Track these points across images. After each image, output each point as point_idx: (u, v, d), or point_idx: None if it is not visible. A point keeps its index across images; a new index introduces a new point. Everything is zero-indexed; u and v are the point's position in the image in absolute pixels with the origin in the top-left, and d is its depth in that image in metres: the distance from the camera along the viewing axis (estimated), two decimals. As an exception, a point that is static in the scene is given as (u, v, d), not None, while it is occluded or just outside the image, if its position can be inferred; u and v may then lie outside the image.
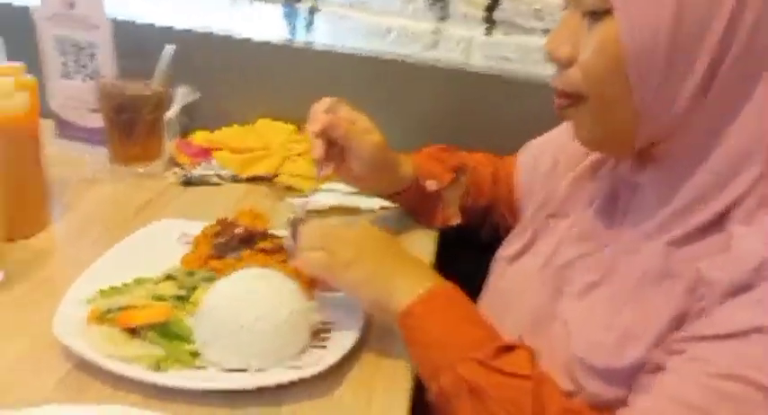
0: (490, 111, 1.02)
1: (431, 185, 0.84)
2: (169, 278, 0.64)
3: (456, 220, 0.87)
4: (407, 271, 0.61)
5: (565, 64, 0.54)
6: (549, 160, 0.75)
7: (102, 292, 0.62)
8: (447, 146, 0.92)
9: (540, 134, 0.84)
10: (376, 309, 0.62)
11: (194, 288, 0.63)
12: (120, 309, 0.58)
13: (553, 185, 0.69)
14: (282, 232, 0.75)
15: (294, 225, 0.70)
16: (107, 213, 0.85)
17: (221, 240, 0.71)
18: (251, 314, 0.55)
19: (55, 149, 0.93)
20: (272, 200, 0.93)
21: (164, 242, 0.73)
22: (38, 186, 0.77)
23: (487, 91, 1.02)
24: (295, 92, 1.05)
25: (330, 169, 0.75)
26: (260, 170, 0.97)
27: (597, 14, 0.51)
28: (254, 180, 0.97)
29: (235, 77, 1.09)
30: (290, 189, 0.95)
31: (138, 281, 0.65)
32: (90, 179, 0.93)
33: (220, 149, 1.01)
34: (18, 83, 0.73)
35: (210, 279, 0.64)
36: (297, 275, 0.64)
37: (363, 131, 0.76)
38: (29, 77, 0.77)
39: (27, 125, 0.74)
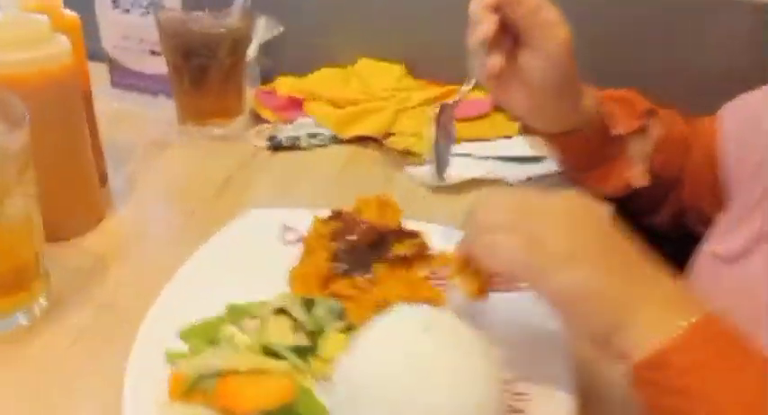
0: (670, 44, 0.75)
1: (617, 128, 0.61)
2: (280, 312, 0.44)
3: (643, 182, 0.62)
4: (650, 287, 0.38)
5: None
6: None
7: (184, 335, 0.43)
8: (629, 89, 0.67)
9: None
10: (595, 337, 0.38)
11: (320, 332, 0.42)
12: (217, 375, 0.38)
13: None
14: (414, 223, 0.54)
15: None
16: (179, 193, 0.65)
17: (342, 246, 0.50)
18: (420, 401, 0.35)
19: (107, 103, 0.73)
20: (385, 168, 0.71)
21: (261, 244, 0.53)
22: (89, 165, 0.57)
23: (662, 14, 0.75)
24: (405, 24, 0.83)
25: (499, 61, 0.53)
26: (366, 129, 0.75)
27: None
28: (358, 140, 0.75)
29: (328, 5, 0.85)
30: (408, 153, 0.72)
31: (234, 312, 0.45)
32: (154, 143, 0.72)
33: (313, 100, 0.79)
34: (56, 23, 0.52)
35: (339, 315, 0.44)
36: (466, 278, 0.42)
37: (548, 23, 0.53)
38: (68, 14, 0.56)
39: (70, 80, 0.53)
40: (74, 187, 0.55)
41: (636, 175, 0.63)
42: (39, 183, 0.45)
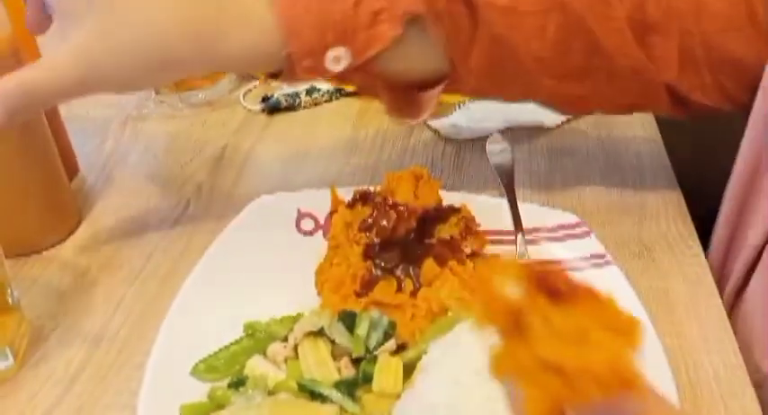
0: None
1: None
2: (313, 334, 0.35)
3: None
4: None
5: None
6: None
7: (199, 372, 0.34)
8: None
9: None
10: None
11: (367, 357, 0.34)
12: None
13: None
14: (457, 194, 0.45)
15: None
16: (166, 180, 0.54)
17: (376, 237, 0.40)
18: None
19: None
20: (402, 126, 0.60)
21: (277, 238, 0.44)
22: (51, 157, 0.46)
23: None
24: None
25: None
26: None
27: None
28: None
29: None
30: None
31: (254, 334, 0.36)
32: (130, 118, 0.62)
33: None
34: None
35: (388, 331, 0.35)
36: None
37: None
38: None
39: (9, 55, 0.41)
40: (36, 189, 0.45)
41: None
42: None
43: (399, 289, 0.38)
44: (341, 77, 0.41)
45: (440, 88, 0.43)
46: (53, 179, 0.47)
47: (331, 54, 0.40)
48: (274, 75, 0.43)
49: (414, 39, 0.41)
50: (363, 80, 0.43)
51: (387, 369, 0.33)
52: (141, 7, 0.36)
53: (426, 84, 0.44)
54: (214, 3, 0.38)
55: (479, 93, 0.49)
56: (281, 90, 0.64)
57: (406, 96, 0.45)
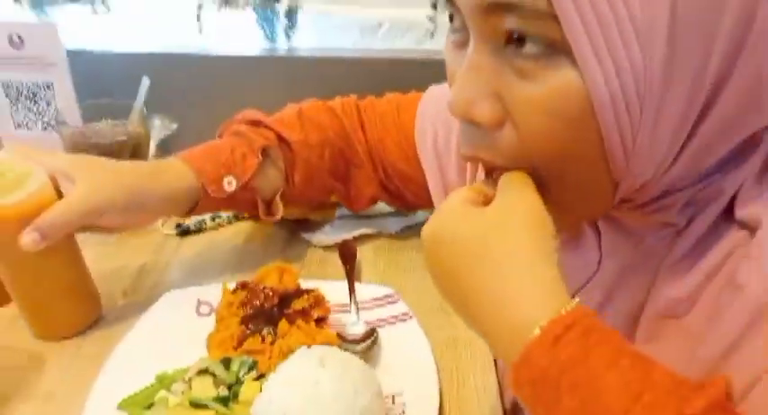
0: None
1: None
2: (202, 372, 0.53)
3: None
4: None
5: (491, 126, 0.38)
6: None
7: (124, 404, 0.51)
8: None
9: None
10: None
11: (238, 383, 0.52)
12: (156, 431, 0.47)
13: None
14: (312, 282, 0.65)
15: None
16: (101, 287, 0.72)
17: (249, 311, 0.60)
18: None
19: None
20: (285, 239, 0.81)
21: (181, 319, 0.62)
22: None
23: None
24: (280, 107, 0.94)
25: None
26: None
27: (539, 57, 0.35)
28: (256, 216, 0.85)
29: (213, 99, 0.96)
30: (301, 224, 0.83)
31: (163, 380, 0.54)
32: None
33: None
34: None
35: (252, 368, 0.53)
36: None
37: None
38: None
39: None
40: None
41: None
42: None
43: (263, 341, 0.57)
44: (233, 197, 0.66)
45: (278, 196, 0.70)
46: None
47: (225, 180, 0.65)
48: (189, 213, 0.66)
49: (269, 166, 0.67)
50: (246, 195, 0.68)
51: (250, 388, 0.51)
52: (104, 178, 0.61)
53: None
54: (148, 170, 0.64)
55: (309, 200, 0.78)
56: (190, 218, 0.84)
57: (269, 204, 0.70)
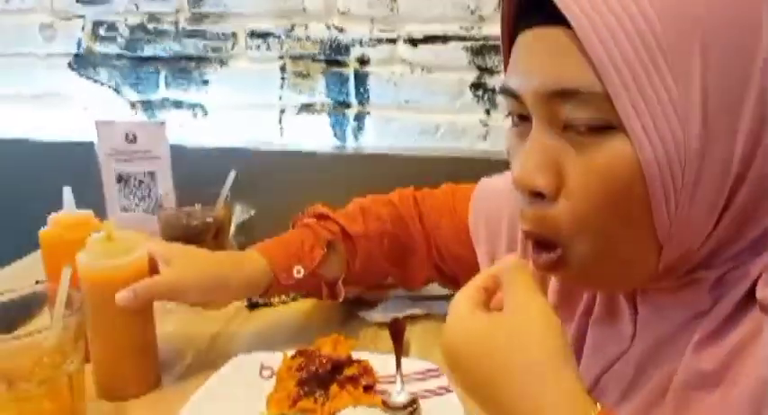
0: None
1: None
2: (262, 427, 0.60)
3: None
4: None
5: (550, 194, 0.43)
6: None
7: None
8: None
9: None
10: None
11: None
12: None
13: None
14: (363, 353, 0.72)
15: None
16: (177, 348, 0.82)
17: (305, 375, 0.67)
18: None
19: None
20: (343, 315, 0.89)
21: (245, 380, 0.70)
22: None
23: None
24: (348, 198, 1.05)
25: None
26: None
27: (593, 130, 0.41)
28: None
29: (288, 190, 1.09)
30: (358, 301, 0.92)
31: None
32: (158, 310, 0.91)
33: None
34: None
35: (305, 424, 0.60)
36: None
37: None
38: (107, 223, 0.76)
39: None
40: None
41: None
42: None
43: (315, 402, 0.64)
44: (302, 282, 0.75)
45: (340, 282, 0.79)
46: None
47: (294, 269, 0.75)
48: (262, 295, 0.79)
49: (333, 256, 0.74)
50: (312, 281, 0.77)
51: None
52: (194, 266, 0.72)
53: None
54: (230, 261, 0.75)
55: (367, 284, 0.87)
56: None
57: (333, 288, 0.77)
